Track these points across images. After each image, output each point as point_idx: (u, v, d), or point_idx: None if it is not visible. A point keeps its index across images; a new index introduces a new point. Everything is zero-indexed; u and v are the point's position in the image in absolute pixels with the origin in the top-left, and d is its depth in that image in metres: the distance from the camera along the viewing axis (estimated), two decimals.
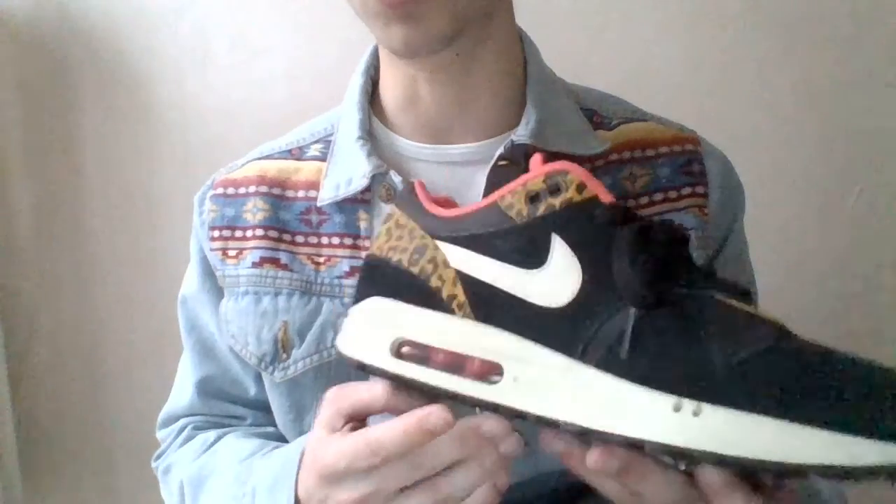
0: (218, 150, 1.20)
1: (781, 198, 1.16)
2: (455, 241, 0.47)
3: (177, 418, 0.79)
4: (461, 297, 0.46)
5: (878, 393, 0.36)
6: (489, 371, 0.45)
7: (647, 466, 0.42)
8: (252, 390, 0.74)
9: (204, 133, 1.22)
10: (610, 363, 0.41)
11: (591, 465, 0.42)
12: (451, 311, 0.46)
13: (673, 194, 0.66)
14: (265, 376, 0.70)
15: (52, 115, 1.23)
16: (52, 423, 1.32)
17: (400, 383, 0.47)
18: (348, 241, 0.66)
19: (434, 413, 0.44)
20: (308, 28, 1.18)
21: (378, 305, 0.49)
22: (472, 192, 0.64)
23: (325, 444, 0.49)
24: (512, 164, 0.62)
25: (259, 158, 0.72)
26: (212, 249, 0.71)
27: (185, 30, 1.20)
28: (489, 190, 0.61)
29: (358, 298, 0.51)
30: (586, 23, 1.14)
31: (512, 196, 0.46)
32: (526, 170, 0.48)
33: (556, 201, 0.44)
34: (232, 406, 0.77)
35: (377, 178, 0.64)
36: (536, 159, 0.48)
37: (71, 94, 1.22)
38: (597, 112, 0.68)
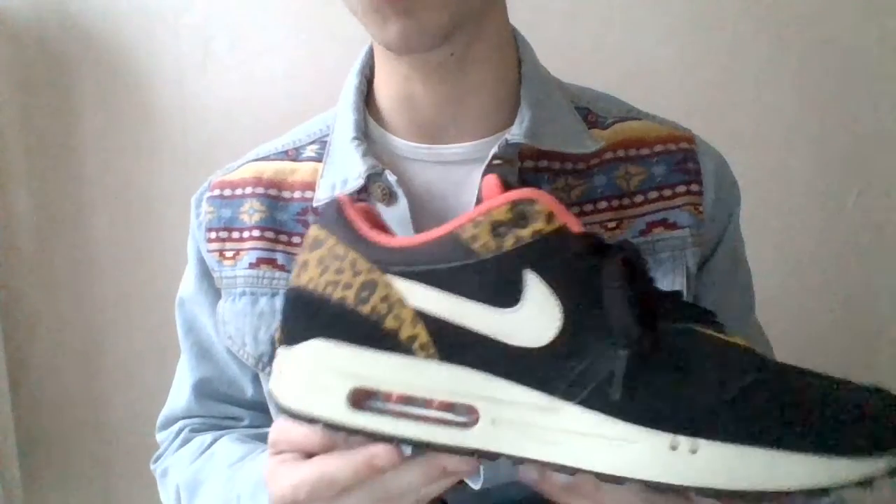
0: (218, 150, 1.21)
1: (781, 198, 1.16)
2: (411, 276, 0.42)
3: (175, 420, 0.79)
4: (423, 337, 0.42)
5: (847, 414, 0.38)
6: (464, 415, 0.42)
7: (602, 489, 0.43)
8: (249, 391, 0.74)
9: (204, 133, 1.22)
10: (598, 402, 0.40)
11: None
12: (412, 353, 0.42)
13: (668, 192, 0.66)
14: (262, 377, 0.70)
15: (52, 115, 1.23)
16: (52, 423, 1.32)
17: (364, 437, 0.43)
18: None
19: (380, 453, 0.42)
20: (308, 28, 1.18)
21: (323, 350, 0.44)
22: (467, 192, 0.64)
23: (278, 476, 0.47)
24: (506, 163, 0.62)
25: (255, 160, 0.72)
26: (209, 251, 0.71)
27: (185, 30, 1.20)
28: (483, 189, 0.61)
29: (291, 339, 0.45)
30: (586, 23, 1.14)
31: (475, 227, 0.42)
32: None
33: (525, 233, 0.41)
34: (229, 407, 0.77)
35: (372, 178, 0.63)
36: (491, 182, 0.45)
37: (71, 94, 1.23)
38: (591, 111, 0.68)
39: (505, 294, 0.41)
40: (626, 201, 0.65)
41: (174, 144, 1.23)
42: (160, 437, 0.81)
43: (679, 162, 0.67)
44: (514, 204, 0.41)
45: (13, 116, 1.23)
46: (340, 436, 0.44)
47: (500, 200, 0.42)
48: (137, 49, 1.21)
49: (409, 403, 0.42)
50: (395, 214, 0.63)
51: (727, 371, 0.39)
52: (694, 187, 0.66)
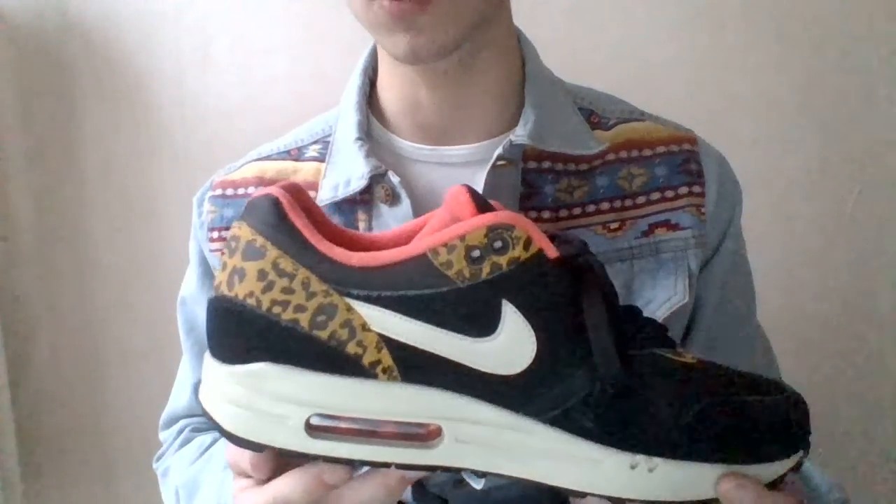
0: (218, 150, 1.20)
1: (781, 198, 1.16)
2: (377, 301, 0.40)
3: (176, 419, 0.79)
4: (387, 361, 0.40)
5: (774, 426, 0.42)
6: (427, 434, 0.41)
7: None
8: None
9: (204, 133, 1.22)
10: (567, 423, 0.40)
11: None
12: (374, 377, 0.40)
13: (670, 193, 0.66)
14: None
15: (52, 115, 1.23)
16: (52, 424, 1.32)
17: (324, 461, 0.42)
18: None
19: (328, 469, 0.42)
20: (308, 28, 1.18)
21: (275, 376, 0.40)
22: None
23: (240, 499, 0.47)
24: (510, 164, 0.62)
25: (258, 159, 0.72)
26: (211, 250, 0.71)
27: (185, 30, 1.20)
28: (487, 190, 0.62)
29: (227, 356, 0.42)
30: (586, 23, 1.14)
31: (448, 251, 0.40)
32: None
33: (503, 260, 0.40)
34: None
35: (375, 179, 0.64)
36: (461, 196, 0.43)
37: (71, 94, 1.22)
38: (594, 112, 0.69)
39: (480, 324, 0.40)
40: (628, 202, 0.66)
41: (174, 144, 1.23)
42: (162, 436, 0.81)
43: (681, 163, 0.67)
44: (491, 229, 0.40)
45: (13, 117, 1.23)
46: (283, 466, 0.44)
47: (475, 224, 0.40)
48: (137, 49, 1.21)
49: (369, 426, 0.41)
50: (399, 215, 0.63)
51: (684, 397, 0.41)
52: (696, 188, 0.66)
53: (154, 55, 1.21)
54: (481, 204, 0.43)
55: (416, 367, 0.40)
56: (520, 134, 0.62)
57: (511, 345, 0.40)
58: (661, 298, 0.64)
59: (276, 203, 0.41)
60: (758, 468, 0.41)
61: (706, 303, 0.69)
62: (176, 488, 0.72)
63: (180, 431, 0.78)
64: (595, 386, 0.40)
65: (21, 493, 1.28)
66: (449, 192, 0.45)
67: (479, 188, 0.62)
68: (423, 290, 0.40)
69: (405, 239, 0.47)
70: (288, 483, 0.43)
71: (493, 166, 0.62)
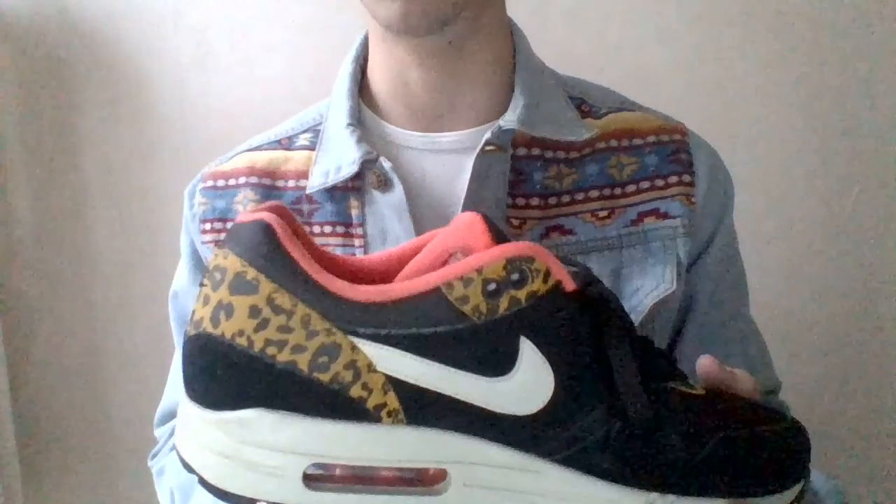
0: (218, 150, 1.19)
1: (781, 198, 1.15)
2: (386, 340, 0.37)
3: (171, 416, 0.79)
4: (393, 404, 0.37)
5: (781, 457, 0.41)
6: (430, 477, 0.39)
7: None
8: None
9: (204, 133, 1.22)
10: (579, 462, 0.38)
11: None
12: (378, 421, 0.37)
13: (660, 182, 0.66)
14: None
15: (52, 115, 1.23)
16: (52, 423, 1.32)
17: None
18: (340, 228, 0.66)
19: None
20: (308, 27, 1.18)
21: (269, 424, 0.37)
22: (461, 180, 0.64)
23: None
24: (499, 149, 0.62)
25: (248, 150, 0.72)
26: (203, 242, 0.71)
27: (185, 30, 1.20)
28: (476, 176, 0.62)
29: (210, 402, 0.38)
30: (586, 23, 1.14)
31: (465, 285, 0.37)
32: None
33: (521, 294, 0.37)
34: None
35: (367, 165, 0.63)
36: (476, 224, 0.41)
37: (71, 94, 1.23)
38: (585, 101, 0.69)
39: (497, 363, 0.37)
40: (617, 191, 0.65)
41: (174, 144, 1.23)
42: (157, 433, 0.80)
43: (672, 153, 0.67)
44: (510, 261, 0.37)
45: (13, 116, 1.24)
46: None
47: (493, 255, 0.37)
48: (137, 49, 1.21)
49: (371, 473, 0.39)
50: (391, 201, 0.63)
51: (699, 432, 0.40)
52: (686, 177, 0.66)
53: (154, 55, 1.21)
54: (497, 233, 0.41)
55: (424, 409, 0.37)
56: (509, 119, 0.62)
57: (528, 384, 0.37)
58: (649, 286, 0.64)
59: (268, 229, 0.38)
60: (766, 501, 0.40)
61: (699, 297, 0.69)
62: (171, 489, 0.72)
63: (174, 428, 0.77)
64: (614, 424, 0.38)
65: (21, 494, 1.28)
66: (458, 219, 0.43)
67: (468, 174, 0.62)
68: (436, 328, 0.37)
69: (397, 261, 0.45)
70: None
71: (482, 151, 0.61)
